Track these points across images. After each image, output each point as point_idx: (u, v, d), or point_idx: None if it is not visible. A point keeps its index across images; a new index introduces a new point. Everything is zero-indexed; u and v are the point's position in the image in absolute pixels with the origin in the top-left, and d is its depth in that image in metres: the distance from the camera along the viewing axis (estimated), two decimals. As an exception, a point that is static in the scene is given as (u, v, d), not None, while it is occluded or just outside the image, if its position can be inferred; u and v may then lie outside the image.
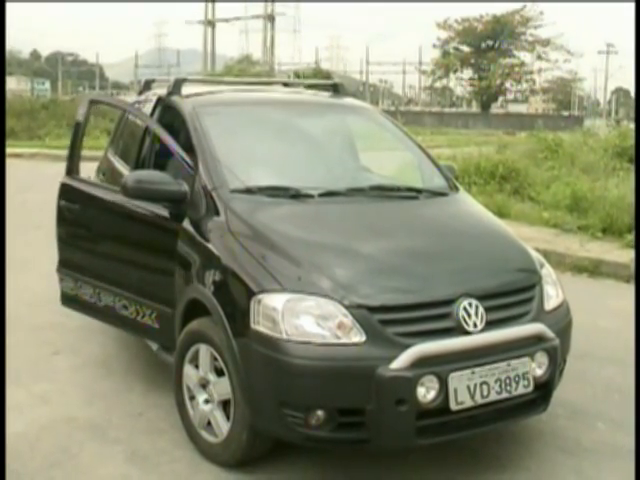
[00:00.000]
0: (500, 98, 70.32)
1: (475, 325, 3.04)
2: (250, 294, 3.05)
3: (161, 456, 3.41)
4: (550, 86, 75.37)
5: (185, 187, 3.66)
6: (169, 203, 3.74)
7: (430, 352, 2.91)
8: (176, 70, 68.59)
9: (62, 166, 4.61)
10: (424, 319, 3.02)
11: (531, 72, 66.84)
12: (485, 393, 2.98)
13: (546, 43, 63.89)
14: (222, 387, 3.23)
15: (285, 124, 4.37)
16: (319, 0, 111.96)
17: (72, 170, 4.50)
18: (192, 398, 3.45)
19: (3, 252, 5.69)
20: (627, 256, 7.16)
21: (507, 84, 67.03)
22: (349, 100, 4.90)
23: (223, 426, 3.26)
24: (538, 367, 3.15)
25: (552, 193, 9.86)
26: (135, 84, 63.09)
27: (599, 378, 4.44)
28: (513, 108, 69.41)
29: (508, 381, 3.04)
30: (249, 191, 3.57)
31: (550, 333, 3.20)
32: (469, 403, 2.96)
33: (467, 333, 3.02)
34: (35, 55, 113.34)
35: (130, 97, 6.90)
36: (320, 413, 2.91)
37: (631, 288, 6.51)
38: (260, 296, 3.01)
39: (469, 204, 4.08)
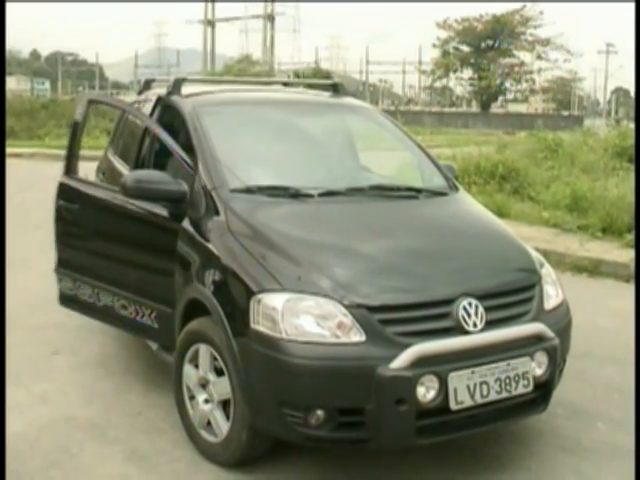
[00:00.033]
0: (500, 98, 70.32)
1: (475, 325, 3.04)
2: (250, 294, 3.05)
3: (160, 456, 3.40)
4: (550, 86, 75.34)
5: (184, 187, 3.66)
6: (169, 203, 3.74)
7: (430, 352, 2.91)
8: (176, 70, 68.61)
9: (61, 166, 4.60)
10: (424, 319, 3.02)
11: (531, 72, 66.82)
12: (485, 393, 2.98)
13: (546, 43, 63.89)
14: (222, 387, 3.23)
15: (285, 124, 4.37)
16: (319, 0, 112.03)
17: (70, 170, 4.48)
18: (192, 398, 3.45)
19: (3, 252, 5.69)
20: (627, 256, 7.16)
21: (507, 84, 67.04)
22: (349, 100, 4.90)
23: (223, 426, 3.26)
24: (538, 367, 3.15)
25: (552, 193, 9.86)
26: (135, 84, 63.13)
27: (599, 378, 4.44)
28: (513, 108, 69.44)
29: (508, 381, 3.04)
30: (249, 191, 3.57)
31: (550, 333, 3.20)
32: (469, 403, 2.96)
33: (467, 333, 3.02)
34: (35, 55, 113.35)
35: (130, 97, 6.91)
36: (320, 413, 2.91)
37: (631, 288, 6.51)
38: (260, 296, 3.01)
39: (469, 204, 4.07)
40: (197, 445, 3.42)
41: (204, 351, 3.32)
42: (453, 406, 2.93)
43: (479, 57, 63.95)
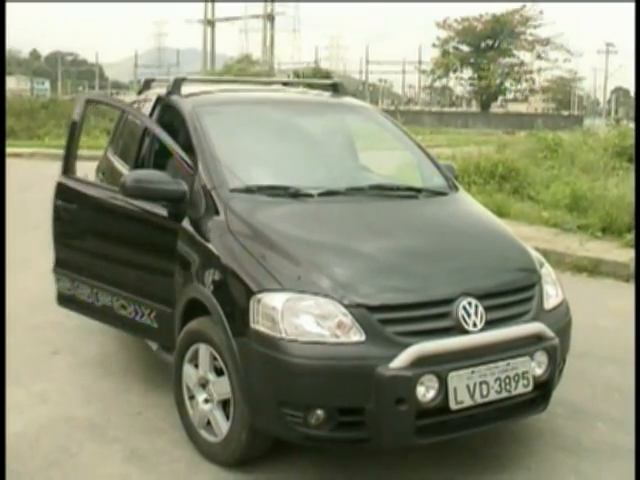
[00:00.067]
0: (500, 97, 70.29)
1: (475, 324, 3.04)
2: (250, 293, 3.05)
3: (160, 456, 3.40)
4: (550, 85, 75.31)
5: (184, 186, 3.66)
6: (168, 202, 3.74)
7: (429, 351, 2.91)
8: (176, 70, 68.59)
9: (60, 165, 4.59)
10: (424, 318, 3.02)
11: (531, 71, 66.79)
12: (485, 392, 2.98)
13: (546, 42, 63.87)
14: (221, 386, 3.22)
15: (285, 123, 4.37)
16: (319, 0, 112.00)
17: (68, 169, 4.46)
18: (191, 397, 3.45)
19: (3, 252, 5.69)
20: (626, 255, 7.16)
21: (507, 83, 66.99)
22: (349, 99, 4.89)
23: (222, 425, 3.26)
24: (538, 366, 3.15)
25: (552, 192, 9.87)
26: (135, 84, 63.12)
27: (599, 377, 4.44)
28: (513, 107, 69.39)
29: (508, 380, 3.04)
30: (249, 190, 3.57)
31: (550, 332, 3.20)
32: (469, 402, 2.96)
33: (466, 332, 3.02)
34: (35, 55, 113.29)
35: (130, 97, 6.92)
36: (320, 412, 2.91)
37: (630, 287, 6.51)
38: (260, 295, 3.01)
39: (468, 203, 4.07)
40: (197, 445, 3.42)
41: (204, 351, 3.32)
42: (453, 406, 2.93)
43: (479, 57, 63.91)
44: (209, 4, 66.31)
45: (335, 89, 4.92)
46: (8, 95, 24.88)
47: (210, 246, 3.41)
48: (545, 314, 3.32)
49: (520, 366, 3.07)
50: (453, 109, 70.10)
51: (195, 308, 3.40)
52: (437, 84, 73.14)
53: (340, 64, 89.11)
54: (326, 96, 4.90)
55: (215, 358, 3.25)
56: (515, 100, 73.01)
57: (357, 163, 4.67)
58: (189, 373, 3.44)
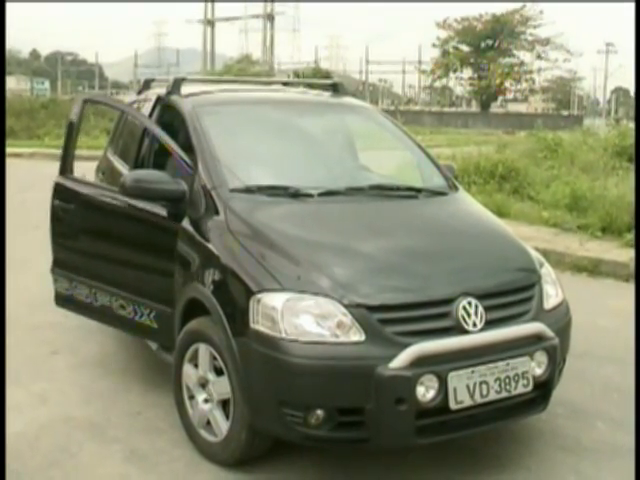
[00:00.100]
0: (500, 97, 70.27)
1: (474, 324, 3.04)
2: (249, 293, 3.05)
3: (160, 455, 3.40)
4: (550, 85, 75.36)
5: (184, 186, 3.66)
6: (168, 202, 3.74)
7: (429, 351, 2.91)
8: (175, 69, 68.58)
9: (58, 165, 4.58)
10: (423, 318, 3.02)
11: (531, 71, 66.73)
12: (484, 392, 2.98)
13: (546, 42, 63.83)
14: (221, 386, 3.22)
15: (285, 123, 4.37)
16: (319, 0, 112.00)
17: (66, 170, 4.45)
18: (191, 397, 3.45)
19: (3, 252, 5.69)
20: (626, 255, 7.16)
21: (507, 83, 66.96)
22: (348, 99, 4.89)
23: (222, 425, 3.26)
24: (537, 366, 3.15)
25: (551, 192, 9.87)
26: (134, 83, 63.07)
27: (598, 377, 4.44)
28: (513, 107, 69.40)
29: (507, 380, 3.03)
30: (248, 190, 3.57)
31: (549, 332, 3.20)
32: (468, 402, 2.96)
33: (466, 332, 3.02)
34: (34, 54, 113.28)
35: (129, 97, 6.91)
36: (319, 412, 2.91)
37: (630, 287, 6.51)
38: (259, 295, 3.01)
39: (468, 203, 4.07)
40: (196, 445, 3.42)
41: (204, 351, 3.32)
42: (453, 406, 2.93)
43: (479, 57, 63.87)
44: (209, 4, 66.36)
45: (335, 89, 4.92)
46: (8, 95, 24.87)
47: (210, 246, 3.41)
48: (545, 314, 3.32)
49: (520, 366, 3.07)
50: (453, 109, 70.09)
51: (195, 308, 3.39)
52: (437, 84, 73.07)
53: (340, 64, 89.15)
54: (326, 96, 4.90)
55: (215, 358, 3.25)
56: (515, 100, 73.02)
57: (357, 163, 4.67)
58: (189, 373, 3.44)
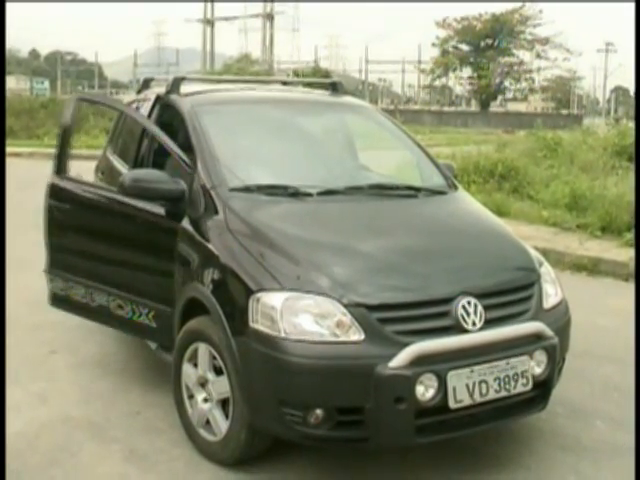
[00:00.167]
0: (499, 97, 70.29)
1: (474, 323, 3.04)
2: (249, 293, 3.05)
3: (159, 455, 3.40)
4: (549, 85, 75.32)
5: (183, 185, 3.66)
6: (167, 202, 3.74)
7: (429, 350, 2.90)
8: (175, 69, 68.47)
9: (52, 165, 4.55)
10: (423, 317, 3.02)
11: (530, 71, 66.83)
12: (484, 391, 2.98)
13: (545, 42, 63.91)
14: (221, 386, 3.22)
15: (284, 123, 4.37)
16: (318, 0, 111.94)
17: (61, 169, 4.41)
18: (191, 397, 3.45)
19: (3, 252, 5.69)
20: (626, 255, 7.16)
21: (506, 83, 67.01)
22: (348, 99, 4.89)
23: (222, 425, 3.26)
24: (537, 365, 3.15)
25: (551, 192, 9.87)
26: (134, 83, 63.09)
27: (598, 376, 4.44)
28: (512, 107, 69.34)
29: (507, 379, 3.03)
30: (248, 190, 3.57)
31: (549, 331, 3.20)
32: (468, 401, 2.96)
33: (466, 331, 3.01)
34: (34, 54, 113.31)
35: (129, 96, 6.91)
36: (319, 411, 2.91)
37: (630, 287, 6.51)
38: (259, 295, 3.01)
39: (468, 203, 4.07)
40: (196, 444, 3.42)
41: (203, 350, 3.32)
42: (452, 405, 2.93)
43: (478, 56, 63.95)
44: (208, 3, 66.32)
45: (334, 88, 4.92)
46: (8, 94, 24.84)
47: (209, 245, 3.41)
48: (544, 313, 3.32)
49: (519, 365, 3.07)
50: (452, 108, 70.03)
51: (194, 307, 3.39)
52: (436, 83, 73.17)
53: (339, 63, 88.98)
54: (325, 95, 4.90)
55: (214, 357, 3.25)
56: (515, 99, 73.01)
57: (356, 162, 4.67)
58: (188, 372, 3.44)
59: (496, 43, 63.30)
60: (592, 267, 7.12)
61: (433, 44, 65.88)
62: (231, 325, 3.08)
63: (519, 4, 62.11)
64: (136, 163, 4.38)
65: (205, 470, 3.28)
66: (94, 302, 4.19)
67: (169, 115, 4.27)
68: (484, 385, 2.98)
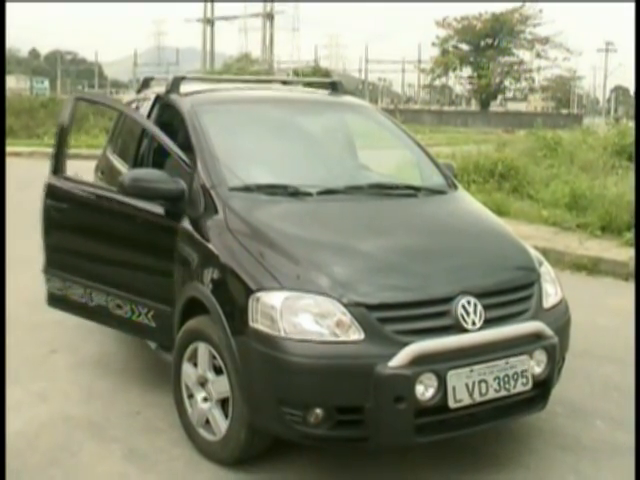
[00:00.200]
0: (499, 96, 70.30)
1: (474, 323, 3.04)
2: (248, 292, 3.05)
3: (159, 454, 3.40)
4: (549, 84, 75.37)
5: (182, 185, 3.66)
6: (166, 201, 3.74)
7: (428, 350, 2.91)
8: (175, 68, 68.43)
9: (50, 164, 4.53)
10: (423, 317, 3.02)
11: (530, 70, 66.84)
12: (484, 391, 2.98)
13: (545, 41, 63.93)
14: (220, 385, 3.22)
15: (284, 122, 4.36)
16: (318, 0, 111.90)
17: (58, 169, 4.38)
18: (190, 396, 3.45)
19: (3, 251, 5.68)
20: (626, 254, 7.16)
21: (506, 82, 67.01)
22: (348, 98, 4.89)
23: (222, 424, 3.26)
24: (537, 365, 3.15)
25: (551, 191, 9.87)
26: (134, 82, 63.07)
27: (598, 376, 4.44)
28: (512, 106, 69.41)
29: (507, 379, 3.03)
30: (248, 189, 3.56)
31: (549, 331, 3.20)
32: (468, 401, 2.96)
33: (465, 331, 3.01)
34: (34, 54, 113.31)
35: (129, 96, 6.91)
36: (319, 411, 2.91)
37: (630, 286, 6.51)
38: (258, 294, 3.01)
39: (468, 202, 4.07)
40: (196, 444, 3.42)
41: (203, 350, 3.32)
42: (452, 404, 2.93)
43: (478, 56, 63.96)
44: (208, 3, 66.33)
45: (334, 88, 4.92)
46: (7, 94, 24.84)
47: (209, 245, 3.41)
48: (544, 313, 3.32)
49: (519, 365, 3.07)
50: (452, 108, 70.09)
51: (194, 307, 3.39)
52: (436, 83, 73.21)
53: (339, 63, 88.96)
54: (325, 95, 4.90)
55: (214, 357, 3.25)
56: (514, 99, 73.06)
57: (356, 162, 4.67)
58: (188, 372, 3.44)
59: (496, 43, 63.28)
60: (592, 267, 7.12)
61: (433, 44, 65.95)
62: (231, 325, 3.08)
63: (519, 4, 62.17)
64: (136, 162, 4.38)
65: (205, 470, 3.28)
66: (92, 302, 4.18)
67: (169, 115, 4.27)
68: (484, 384, 2.98)
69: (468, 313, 3.04)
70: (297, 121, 4.45)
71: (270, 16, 63.17)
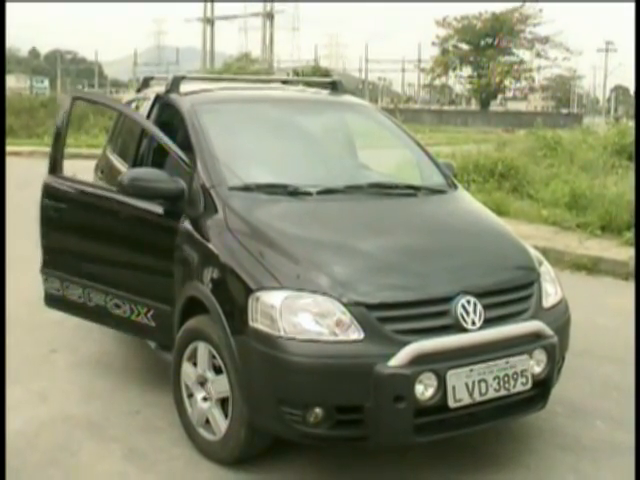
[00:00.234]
0: (499, 96, 70.28)
1: (473, 323, 3.04)
2: (248, 291, 3.05)
3: (159, 454, 3.40)
4: (549, 84, 75.40)
5: (182, 184, 3.66)
6: (166, 201, 3.74)
7: (428, 349, 2.91)
8: (175, 68, 68.43)
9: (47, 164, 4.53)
10: (422, 316, 3.02)
11: (530, 70, 66.79)
12: (483, 390, 2.98)
13: (545, 41, 63.88)
14: (220, 385, 3.22)
15: (284, 121, 4.36)
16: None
17: (55, 169, 4.37)
18: (190, 396, 3.45)
19: (3, 251, 5.68)
20: (626, 254, 7.16)
21: (506, 82, 66.96)
22: (348, 98, 4.89)
23: (221, 424, 3.26)
24: (536, 364, 3.15)
25: (551, 191, 9.87)
26: (134, 82, 63.03)
27: (598, 375, 4.44)
28: (512, 106, 69.43)
29: (506, 378, 3.03)
30: (247, 188, 3.56)
31: (548, 330, 3.20)
32: (467, 400, 2.96)
33: (465, 330, 3.01)
34: (34, 53, 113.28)
35: (129, 95, 6.91)
36: (318, 410, 2.91)
37: (629, 286, 6.51)
38: (258, 293, 3.01)
39: (467, 202, 4.07)
40: (195, 443, 3.42)
41: (202, 349, 3.32)
42: (451, 404, 2.93)
43: (478, 55, 63.91)
44: (208, 3, 66.34)
45: (334, 87, 4.92)
46: (7, 93, 24.85)
47: (209, 244, 3.41)
48: (544, 312, 3.32)
49: (519, 364, 3.07)
50: (452, 107, 70.07)
51: (194, 306, 3.39)
52: (436, 82, 73.12)
53: (340, 62, 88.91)
54: (325, 94, 4.89)
55: (214, 356, 3.25)
56: (514, 98, 73.03)
57: (356, 161, 4.67)
58: (188, 371, 3.44)
59: (496, 42, 63.25)
60: (592, 266, 7.11)
61: (433, 43, 65.90)
62: (230, 324, 3.08)
63: (519, 3, 62.13)
64: (136, 162, 4.38)
65: (204, 469, 3.28)
66: (91, 302, 4.17)
67: (169, 114, 4.27)
68: (483, 384, 2.98)
69: (468, 313, 3.04)
70: (297, 120, 4.44)
71: (270, 15, 63.19)
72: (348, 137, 4.83)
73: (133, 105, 4.91)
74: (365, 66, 74.03)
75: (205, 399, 3.35)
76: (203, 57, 66.16)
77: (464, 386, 2.94)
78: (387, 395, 2.84)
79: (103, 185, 4.57)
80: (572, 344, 3.56)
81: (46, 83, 76.09)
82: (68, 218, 4.30)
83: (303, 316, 2.93)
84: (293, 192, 3.59)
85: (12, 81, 62.79)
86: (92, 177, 5.30)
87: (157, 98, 4.43)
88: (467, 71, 67.07)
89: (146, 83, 5.09)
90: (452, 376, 2.91)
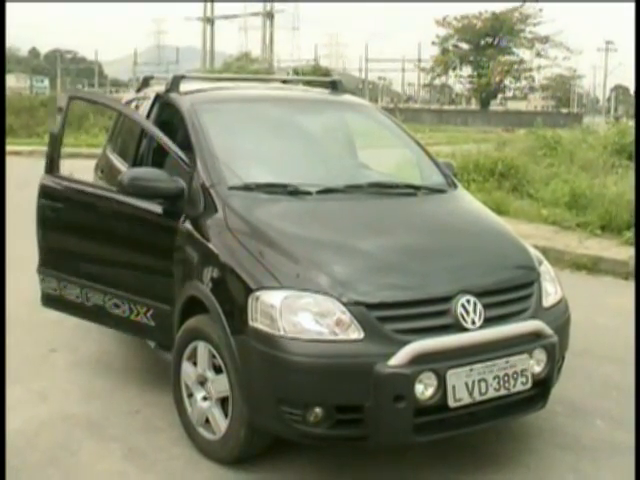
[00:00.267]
0: (499, 95, 70.28)
1: (473, 322, 3.04)
2: (248, 291, 3.04)
3: (159, 453, 3.40)
4: (549, 83, 75.31)
5: (181, 184, 3.66)
6: (166, 200, 3.73)
7: (428, 349, 2.90)
8: (175, 67, 68.35)
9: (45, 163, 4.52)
10: (422, 316, 3.02)
11: (530, 69, 66.80)
12: (483, 390, 2.98)
13: (545, 40, 63.89)
14: (220, 384, 3.22)
15: (284, 121, 4.36)
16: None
17: (52, 168, 4.36)
18: (190, 395, 3.45)
19: (3, 251, 5.68)
20: (626, 253, 7.16)
21: (506, 81, 66.97)
22: (348, 97, 4.89)
23: (221, 423, 3.26)
24: (536, 364, 3.15)
25: (551, 190, 9.87)
26: (134, 81, 63.02)
27: (597, 375, 4.44)
28: (512, 105, 69.35)
29: (506, 378, 3.03)
30: (247, 188, 3.56)
31: (548, 330, 3.20)
32: (467, 400, 2.96)
33: (465, 330, 3.01)
34: (34, 52, 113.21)
35: (129, 94, 6.91)
36: (318, 410, 2.91)
37: (629, 285, 6.51)
38: (258, 293, 3.01)
39: (467, 201, 4.07)
40: (195, 443, 3.42)
41: (202, 349, 3.32)
42: (451, 403, 2.93)
43: (478, 55, 63.93)
44: (208, 2, 66.26)
45: (334, 87, 4.91)
46: (7, 93, 24.86)
47: (209, 244, 3.41)
48: (544, 312, 3.32)
49: (519, 364, 3.07)
50: (452, 107, 70.00)
51: (194, 306, 3.39)
52: (436, 82, 73.16)
53: (340, 62, 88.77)
54: (325, 94, 4.89)
55: (214, 356, 3.25)
56: (514, 98, 73.00)
57: (356, 161, 4.67)
58: (188, 371, 3.44)
59: (496, 41, 63.25)
60: (592, 266, 7.12)
61: (433, 43, 65.93)
62: (230, 324, 3.08)
63: (519, 3, 62.13)
64: (135, 161, 4.37)
65: (204, 469, 3.28)
66: (89, 302, 4.16)
67: (168, 113, 4.27)
68: (483, 384, 2.98)
69: (468, 312, 3.04)
70: (297, 120, 4.44)
71: (270, 15, 63.14)
72: (348, 137, 4.83)
73: (133, 104, 4.91)
74: (365, 66, 74.01)
75: (205, 399, 3.35)
76: (203, 57, 66.12)
77: (464, 385, 2.94)
78: (387, 395, 2.84)
79: (101, 184, 4.55)
80: (572, 344, 3.56)
81: (46, 83, 76.08)
82: (65, 218, 4.28)
83: (303, 316, 2.93)
84: (293, 192, 3.59)
85: (12, 81, 62.78)
86: (92, 177, 5.30)
87: (157, 98, 4.43)
88: (467, 70, 67.13)
89: (146, 82, 5.09)
90: (452, 375, 2.91)
